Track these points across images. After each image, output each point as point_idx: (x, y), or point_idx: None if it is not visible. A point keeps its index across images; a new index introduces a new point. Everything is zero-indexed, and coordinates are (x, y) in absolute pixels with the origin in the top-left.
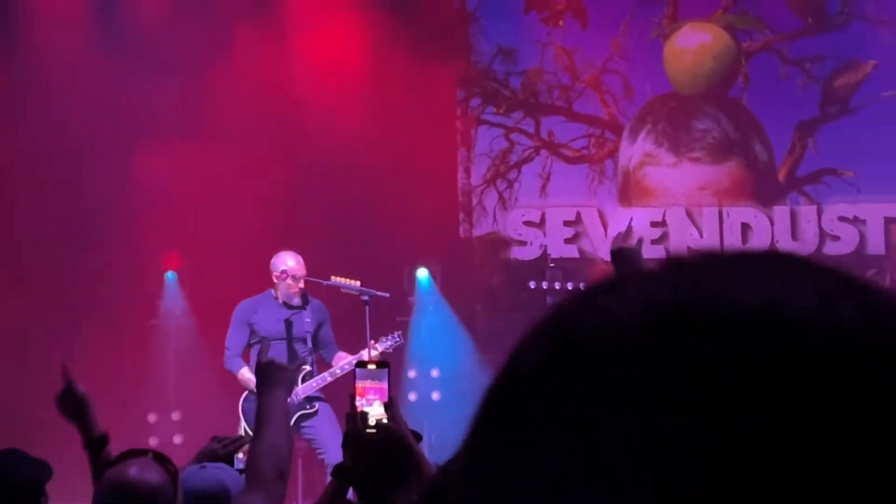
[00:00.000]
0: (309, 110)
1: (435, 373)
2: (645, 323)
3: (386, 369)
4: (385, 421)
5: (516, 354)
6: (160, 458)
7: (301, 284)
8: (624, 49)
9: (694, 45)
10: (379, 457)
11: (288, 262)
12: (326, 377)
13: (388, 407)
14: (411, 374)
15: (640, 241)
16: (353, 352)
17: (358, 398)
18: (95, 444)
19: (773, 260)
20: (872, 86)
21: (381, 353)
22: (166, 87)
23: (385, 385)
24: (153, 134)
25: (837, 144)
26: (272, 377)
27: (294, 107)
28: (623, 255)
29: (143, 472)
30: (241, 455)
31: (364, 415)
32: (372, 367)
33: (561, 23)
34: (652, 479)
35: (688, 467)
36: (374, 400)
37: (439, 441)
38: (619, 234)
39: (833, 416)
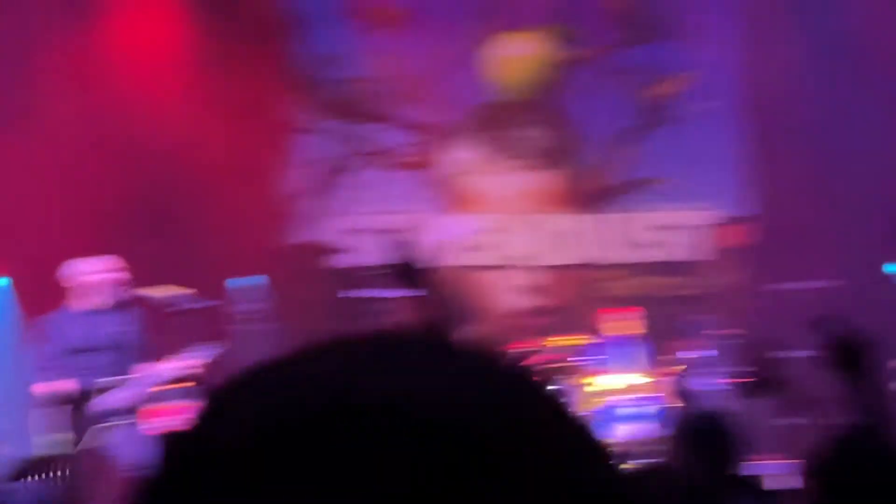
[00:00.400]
0: (130, 115)
1: None
2: (263, 436)
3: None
4: None
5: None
6: None
7: (108, 290)
8: (447, 56)
9: (517, 54)
10: None
11: (92, 267)
12: (132, 390)
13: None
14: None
15: (414, 260)
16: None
17: (160, 419)
18: None
19: (409, 349)
20: (689, 97)
21: (191, 367)
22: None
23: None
24: None
25: (654, 154)
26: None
27: (114, 109)
28: (408, 270)
29: None
30: None
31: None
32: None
33: (386, 30)
34: None
35: None
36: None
37: None
38: (402, 245)
39: None
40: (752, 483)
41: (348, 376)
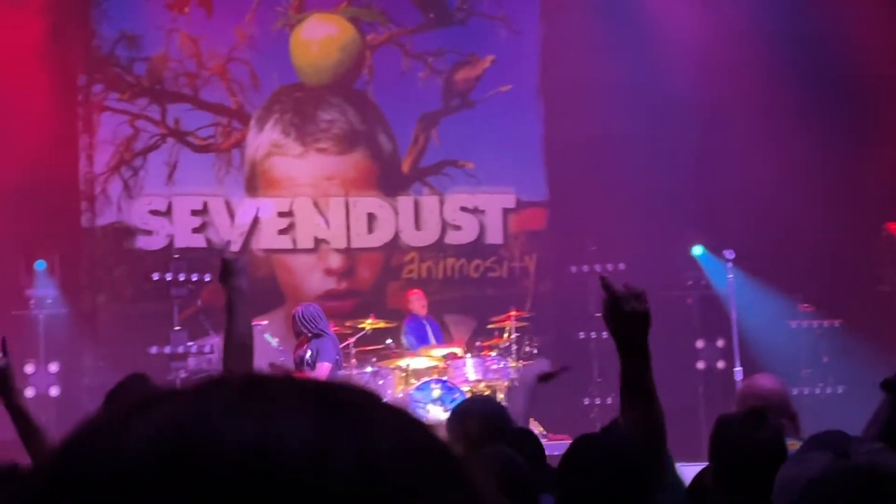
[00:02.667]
0: None
1: (53, 367)
2: (128, 468)
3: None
4: None
5: (20, 484)
6: None
7: None
8: (250, 38)
9: (319, 37)
10: None
11: None
12: None
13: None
14: (29, 369)
15: (243, 253)
16: None
17: None
18: None
19: (278, 391)
20: (490, 80)
21: None
22: None
23: None
24: None
25: (458, 137)
26: (236, 270)
27: None
28: (232, 266)
29: None
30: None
31: None
32: None
33: (186, 10)
34: None
35: None
36: None
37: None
38: (227, 243)
39: None
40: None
41: (220, 417)
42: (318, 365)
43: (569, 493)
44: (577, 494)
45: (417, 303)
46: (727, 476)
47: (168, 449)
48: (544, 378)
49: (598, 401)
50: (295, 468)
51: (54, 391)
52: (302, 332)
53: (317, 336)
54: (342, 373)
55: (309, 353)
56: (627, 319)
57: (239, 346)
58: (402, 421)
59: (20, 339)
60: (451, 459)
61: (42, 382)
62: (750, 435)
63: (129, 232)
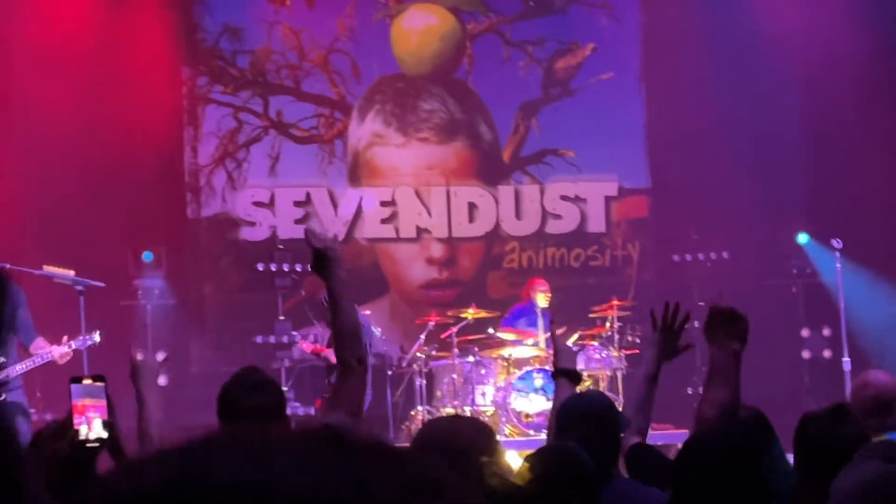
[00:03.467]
0: (26, 88)
1: (160, 356)
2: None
3: (104, 384)
4: (104, 436)
5: None
6: None
7: None
8: (351, 29)
9: (420, 27)
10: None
11: None
12: (17, 369)
13: (109, 425)
14: (139, 357)
15: (335, 240)
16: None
17: (77, 417)
18: None
19: (313, 443)
20: (591, 68)
21: (74, 350)
22: None
23: (104, 402)
24: None
25: (559, 125)
26: (331, 258)
27: (10, 84)
28: (326, 254)
29: None
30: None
31: (76, 433)
32: (88, 382)
33: (287, 2)
34: None
35: None
36: (94, 418)
37: (168, 426)
38: (310, 231)
39: None
40: (647, 453)
41: (265, 469)
42: None
43: (684, 491)
44: (692, 493)
45: (541, 294)
46: (809, 471)
47: (158, 489)
48: (670, 354)
49: (701, 390)
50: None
51: (162, 380)
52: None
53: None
54: (371, 359)
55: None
56: (729, 332)
57: (351, 334)
58: (399, 459)
59: (128, 329)
60: (441, 488)
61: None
62: (832, 430)
63: (234, 223)
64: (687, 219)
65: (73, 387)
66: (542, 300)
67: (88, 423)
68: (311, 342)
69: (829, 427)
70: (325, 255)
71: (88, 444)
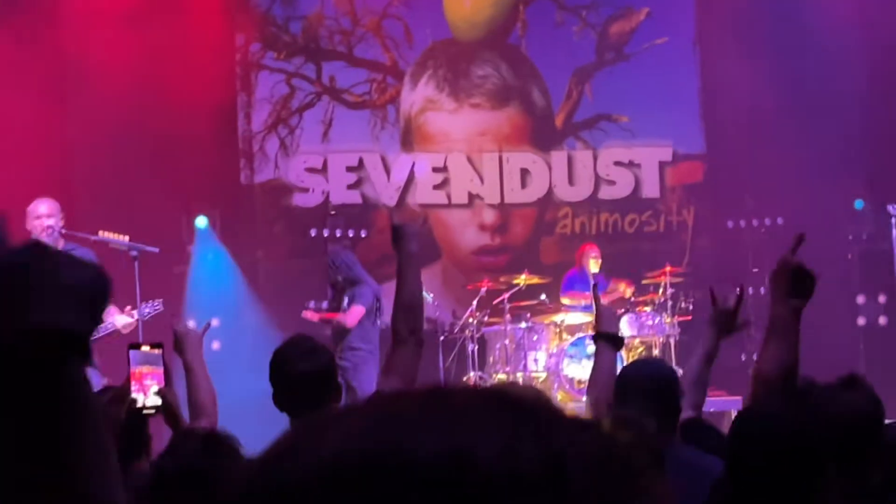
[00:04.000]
0: (82, 55)
1: (214, 322)
2: (329, 477)
3: (161, 351)
4: (159, 403)
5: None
6: None
7: (56, 228)
8: None
9: None
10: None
11: (39, 208)
12: None
13: (165, 393)
14: (190, 324)
15: (424, 220)
16: (122, 310)
17: (134, 384)
18: None
19: (468, 402)
20: (645, 33)
21: (138, 320)
22: None
23: (161, 369)
24: None
25: (612, 90)
26: (406, 235)
27: (65, 51)
28: (402, 231)
29: None
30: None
31: (133, 401)
32: (146, 348)
33: None
34: None
35: None
36: (151, 385)
37: (221, 391)
38: (394, 210)
39: None
40: (700, 423)
41: (405, 430)
42: (352, 308)
43: (737, 466)
44: (746, 468)
45: (592, 259)
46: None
47: (357, 463)
48: (729, 330)
49: (755, 356)
50: (487, 474)
51: (216, 345)
52: (336, 280)
53: (353, 283)
54: (378, 324)
55: (346, 300)
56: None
57: (409, 307)
58: (580, 425)
59: (182, 295)
60: (630, 463)
61: (208, 337)
62: (841, 397)
63: (287, 189)
64: (742, 185)
65: (132, 353)
66: (593, 265)
67: (145, 391)
68: (314, 310)
69: (837, 393)
70: (401, 231)
71: (144, 411)
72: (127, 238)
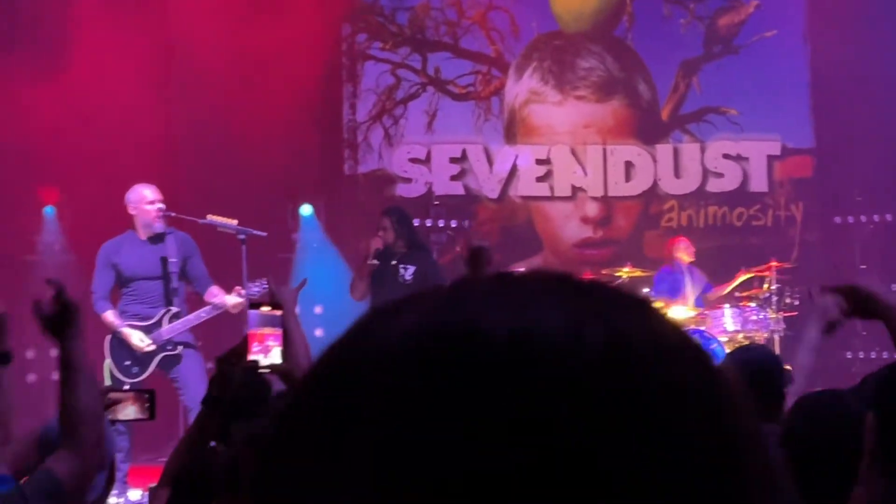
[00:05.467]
0: (187, 43)
1: (318, 309)
2: (401, 355)
3: (281, 312)
4: (278, 363)
5: (311, 368)
6: None
7: (157, 212)
8: None
9: None
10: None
11: (143, 192)
12: (191, 319)
13: (285, 351)
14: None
15: (486, 249)
16: (230, 290)
17: (256, 344)
18: None
19: (533, 284)
20: (754, 25)
21: (247, 299)
22: (44, 14)
23: (280, 330)
24: (34, 65)
25: (720, 83)
26: (76, 320)
27: (171, 39)
28: (478, 254)
29: None
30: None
31: (254, 361)
32: (266, 309)
33: None
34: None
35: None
36: (273, 347)
37: None
38: (468, 241)
39: (575, 442)
40: None
41: (483, 305)
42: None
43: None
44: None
45: (683, 251)
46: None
47: (427, 338)
48: (830, 328)
49: (861, 354)
50: (550, 350)
51: (318, 332)
52: (396, 239)
53: (417, 248)
54: None
55: (408, 269)
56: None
57: None
58: (646, 308)
59: (287, 282)
60: (694, 344)
61: (309, 324)
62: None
63: (390, 179)
64: (851, 180)
65: (251, 314)
66: (685, 256)
67: (265, 351)
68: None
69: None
70: (479, 254)
71: (261, 371)
72: (235, 222)
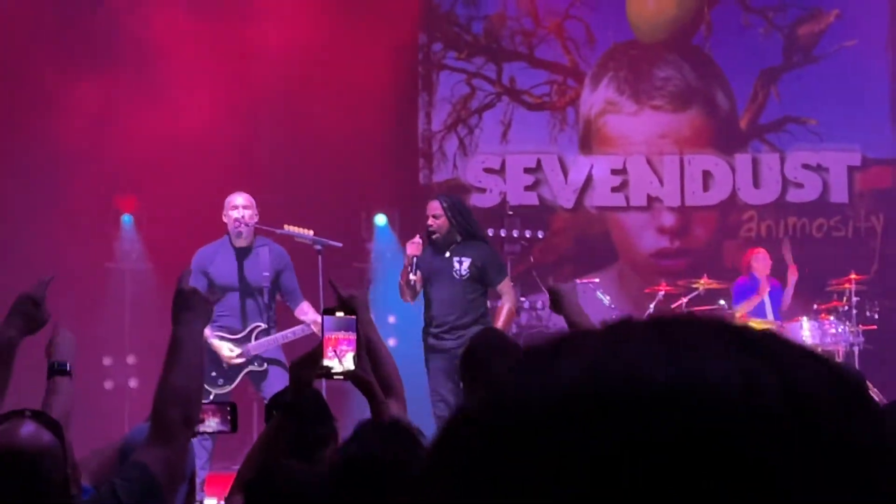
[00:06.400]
0: (265, 54)
1: (392, 319)
2: (565, 405)
3: (354, 317)
4: (351, 369)
5: (460, 410)
6: (39, 416)
7: (246, 221)
8: None
9: None
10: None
11: (230, 198)
12: (279, 338)
13: (358, 356)
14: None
15: (573, 286)
16: (311, 302)
17: (329, 349)
18: (52, 370)
19: (694, 330)
20: (835, 35)
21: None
22: (123, 31)
23: (354, 335)
24: (113, 75)
25: (800, 93)
26: (192, 306)
27: (250, 49)
28: (559, 294)
29: (35, 433)
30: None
31: (327, 367)
32: (340, 314)
33: None
34: None
35: None
36: (347, 352)
37: None
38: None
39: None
40: None
41: (647, 354)
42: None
43: None
44: None
45: (759, 263)
46: None
47: (596, 386)
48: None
49: None
50: (723, 401)
51: (392, 342)
52: (450, 229)
53: (472, 237)
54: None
55: (463, 262)
56: None
57: None
58: (811, 355)
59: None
60: (862, 390)
61: (382, 334)
62: None
63: (464, 189)
64: None
65: (326, 319)
66: (761, 268)
67: (339, 356)
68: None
69: None
70: (559, 293)
71: (335, 376)
72: (311, 232)
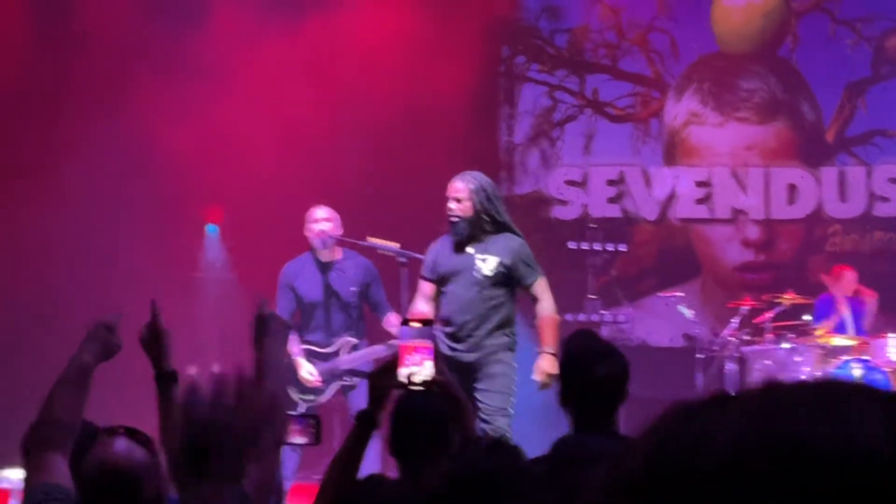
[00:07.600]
0: (348, 65)
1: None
2: (728, 459)
3: (431, 327)
4: (430, 379)
5: (620, 462)
6: (132, 433)
7: (329, 233)
8: (670, 7)
9: (742, 4)
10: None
11: (315, 213)
12: (368, 353)
13: (437, 364)
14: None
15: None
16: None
17: (407, 357)
18: (165, 379)
19: (851, 396)
20: None
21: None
22: (205, 39)
23: (431, 344)
24: (197, 88)
25: (888, 105)
26: (271, 331)
27: (333, 61)
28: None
29: (129, 450)
30: None
31: (406, 376)
32: (416, 325)
33: None
34: None
35: None
36: (424, 360)
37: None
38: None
39: None
40: None
41: (800, 419)
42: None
43: None
44: None
45: (842, 281)
46: None
47: (757, 448)
48: None
49: None
50: (878, 461)
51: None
52: (477, 216)
53: (501, 229)
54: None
55: (487, 261)
56: None
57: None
58: None
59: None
60: None
61: None
62: None
63: (546, 201)
64: None
65: (403, 328)
66: (844, 288)
67: (417, 364)
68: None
69: None
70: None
71: (413, 386)
72: (397, 245)
